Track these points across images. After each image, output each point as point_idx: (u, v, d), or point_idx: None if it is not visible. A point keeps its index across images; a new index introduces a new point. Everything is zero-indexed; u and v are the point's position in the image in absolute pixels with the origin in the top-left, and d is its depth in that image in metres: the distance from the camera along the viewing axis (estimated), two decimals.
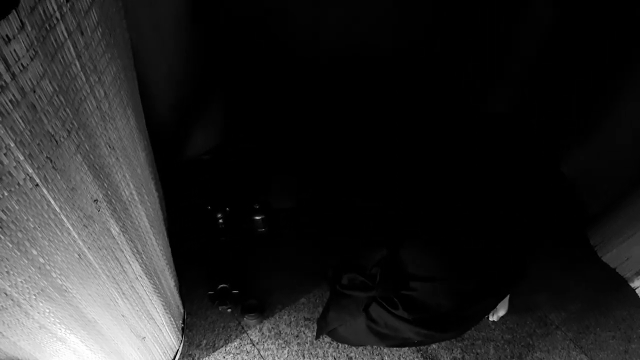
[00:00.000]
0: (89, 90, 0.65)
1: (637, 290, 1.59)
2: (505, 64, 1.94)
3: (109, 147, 0.74)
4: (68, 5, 0.57)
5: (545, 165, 1.96)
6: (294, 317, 1.47)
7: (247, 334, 1.43)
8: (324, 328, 1.38)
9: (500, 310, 1.47)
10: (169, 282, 1.21)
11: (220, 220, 1.56)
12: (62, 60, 0.58)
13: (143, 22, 1.30)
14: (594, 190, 1.75)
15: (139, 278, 0.95)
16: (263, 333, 1.44)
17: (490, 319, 1.50)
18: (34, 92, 0.53)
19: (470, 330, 1.48)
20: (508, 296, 1.45)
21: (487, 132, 2.09)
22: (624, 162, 1.61)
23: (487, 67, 1.99)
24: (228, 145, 1.90)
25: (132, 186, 0.86)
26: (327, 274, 1.48)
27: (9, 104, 0.50)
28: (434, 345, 1.44)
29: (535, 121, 2.01)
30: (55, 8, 0.54)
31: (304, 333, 1.44)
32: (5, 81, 0.49)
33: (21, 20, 0.49)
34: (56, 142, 0.59)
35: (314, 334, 1.43)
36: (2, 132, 0.51)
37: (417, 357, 1.41)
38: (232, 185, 1.77)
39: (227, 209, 1.57)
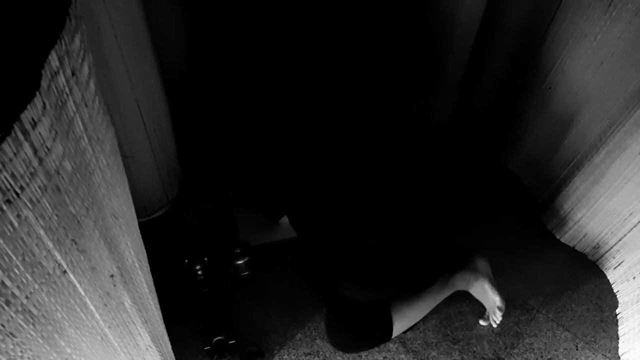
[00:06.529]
0: (95, 162, 0.62)
1: (596, 263, 1.73)
2: (435, 76, 2.07)
3: (114, 217, 0.71)
4: (74, 78, 0.55)
5: (491, 164, 2.09)
6: (294, 354, 1.44)
7: None
8: None
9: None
10: (168, 345, 1.15)
11: (200, 272, 1.50)
12: (73, 135, 0.55)
13: None
14: (540, 179, 1.90)
15: (148, 348, 0.90)
16: None
17: (482, 323, 1.56)
18: (58, 173, 0.50)
19: (463, 331, 1.54)
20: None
21: (434, 142, 2.21)
22: (561, 147, 1.77)
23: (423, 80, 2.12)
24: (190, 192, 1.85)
25: (133, 253, 0.82)
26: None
27: (38, 190, 0.47)
28: (433, 353, 1.48)
29: (478, 127, 2.16)
30: (65, 83, 0.52)
31: None
32: (34, 167, 0.46)
33: (43, 101, 0.46)
34: (78, 222, 0.56)
35: None
36: (33, 221, 0.47)
37: None
38: (207, 233, 1.71)
39: (206, 259, 1.51)
